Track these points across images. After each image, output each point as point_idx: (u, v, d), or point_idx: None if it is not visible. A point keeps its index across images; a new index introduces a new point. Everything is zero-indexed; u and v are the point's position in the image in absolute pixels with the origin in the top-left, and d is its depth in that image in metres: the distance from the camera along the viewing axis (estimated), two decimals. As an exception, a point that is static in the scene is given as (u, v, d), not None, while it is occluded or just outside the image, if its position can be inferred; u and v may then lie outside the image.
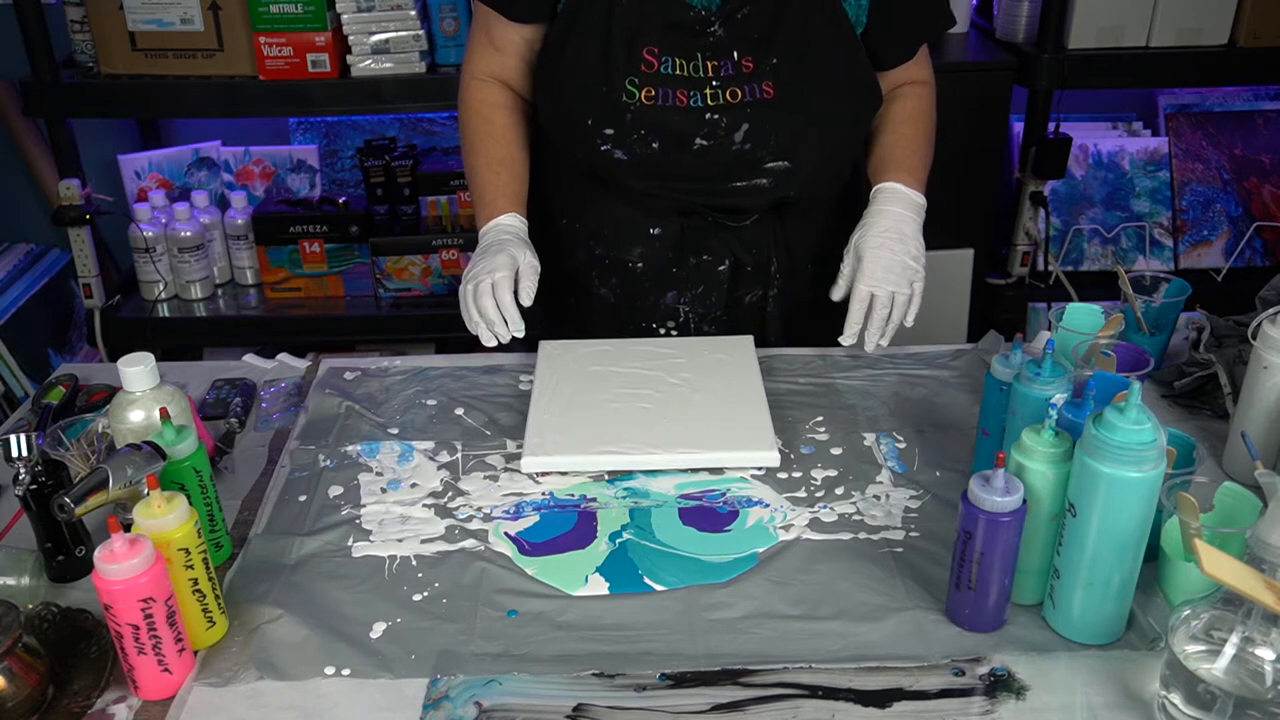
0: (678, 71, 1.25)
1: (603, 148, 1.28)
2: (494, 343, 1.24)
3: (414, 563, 1.04)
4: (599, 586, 1.01)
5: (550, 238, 1.47)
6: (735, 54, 1.24)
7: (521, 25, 1.31)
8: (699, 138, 1.26)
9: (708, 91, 1.25)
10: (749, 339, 1.35)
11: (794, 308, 1.44)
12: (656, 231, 1.37)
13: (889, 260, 1.27)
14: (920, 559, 1.03)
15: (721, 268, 1.39)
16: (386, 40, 2.17)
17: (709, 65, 1.24)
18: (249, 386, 1.33)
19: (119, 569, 0.83)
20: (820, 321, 1.48)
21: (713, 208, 1.35)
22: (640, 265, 1.40)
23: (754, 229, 1.37)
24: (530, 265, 1.28)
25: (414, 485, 1.15)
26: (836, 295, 1.31)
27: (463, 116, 1.39)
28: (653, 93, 1.25)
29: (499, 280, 1.24)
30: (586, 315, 1.44)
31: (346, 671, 0.91)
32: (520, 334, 1.23)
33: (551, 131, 1.38)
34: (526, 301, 1.26)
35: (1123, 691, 0.88)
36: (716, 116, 1.25)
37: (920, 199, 1.32)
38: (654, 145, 1.27)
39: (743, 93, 1.25)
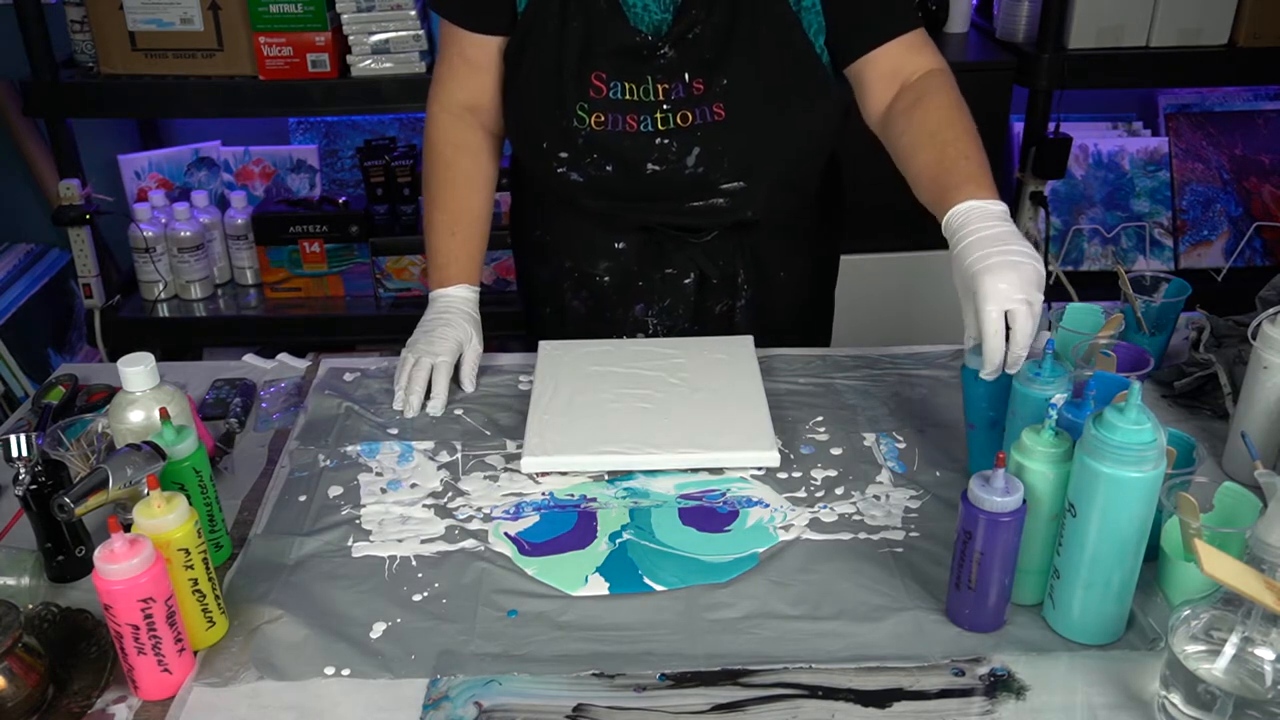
0: (627, 96, 1.24)
1: (559, 170, 1.29)
2: (404, 409, 1.27)
3: (414, 563, 1.04)
4: (599, 586, 1.01)
5: (526, 249, 1.49)
6: (686, 75, 1.23)
7: (493, 37, 1.29)
8: (650, 162, 1.26)
9: (658, 115, 1.24)
10: (749, 339, 1.35)
11: (765, 315, 1.44)
12: (620, 246, 1.38)
13: (1007, 267, 1.02)
14: (920, 559, 1.03)
15: (687, 281, 1.39)
16: (386, 40, 2.17)
17: (659, 88, 1.23)
18: (249, 386, 1.33)
19: (119, 569, 0.83)
20: (793, 326, 1.48)
21: (672, 226, 1.35)
22: (607, 279, 1.41)
23: (718, 243, 1.37)
24: (475, 350, 1.32)
25: (414, 485, 1.15)
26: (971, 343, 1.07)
27: (426, 157, 1.37)
28: (602, 118, 1.24)
29: (439, 365, 1.28)
30: (561, 325, 1.45)
31: (346, 671, 0.91)
32: (437, 414, 1.27)
33: (517, 150, 1.39)
34: (468, 389, 1.31)
35: (1123, 691, 0.88)
36: (667, 141, 1.25)
37: (1000, 206, 1.11)
38: (608, 168, 1.27)
39: (693, 115, 1.24)
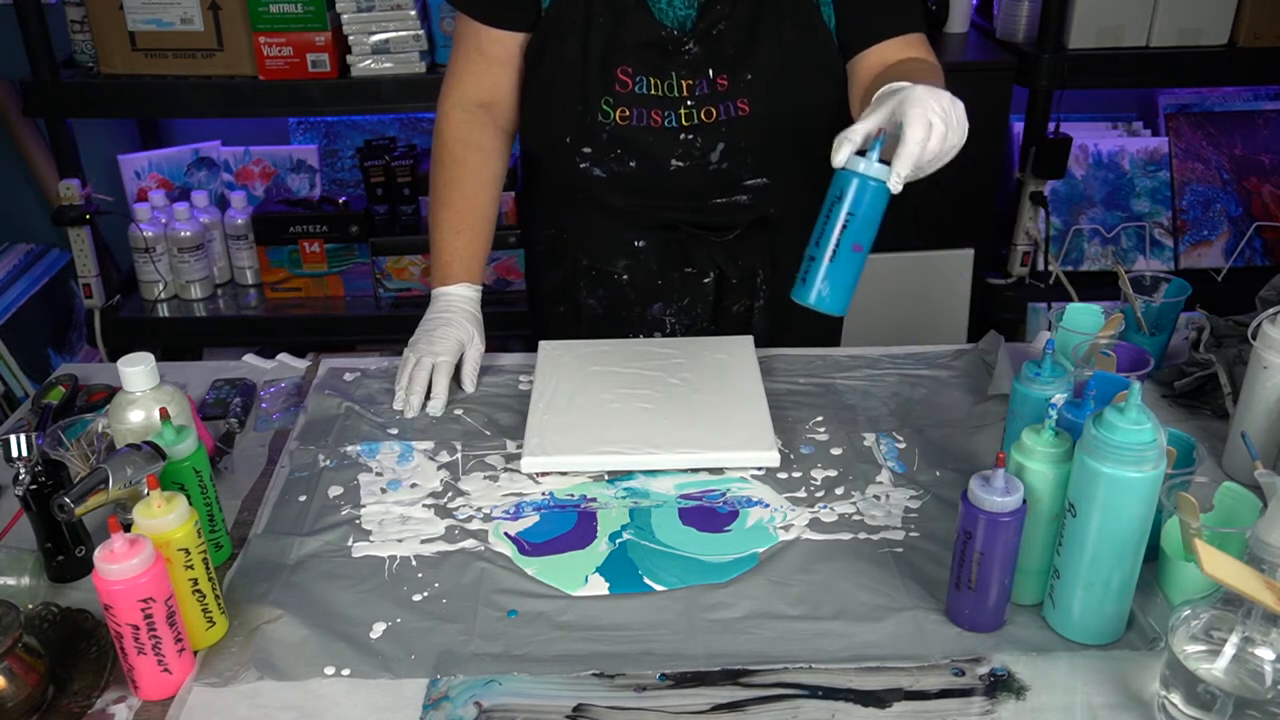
0: (652, 91, 1.23)
1: (581, 165, 1.28)
2: (404, 409, 1.27)
3: (414, 563, 1.04)
4: (599, 586, 1.01)
5: (538, 247, 1.48)
6: (710, 71, 1.23)
7: (513, 33, 1.29)
8: (675, 158, 1.26)
9: (682, 111, 1.24)
10: (749, 339, 1.35)
11: (781, 316, 1.43)
12: (641, 244, 1.38)
13: (940, 94, 0.99)
14: (920, 559, 1.03)
15: (706, 280, 1.39)
16: (386, 40, 2.17)
17: (684, 84, 1.23)
18: (249, 386, 1.33)
19: (119, 569, 0.83)
20: (808, 327, 1.48)
21: (694, 223, 1.35)
22: (625, 277, 1.40)
23: (738, 242, 1.37)
24: (477, 350, 1.31)
25: (414, 485, 1.15)
26: (840, 158, 1.00)
27: (436, 152, 1.36)
28: (627, 113, 1.24)
29: (440, 365, 1.28)
30: (575, 325, 1.45)
31: (346, 671, 0.91)
32: (437, 414, 1.26)
33: (534, 147, 1.38)
34: (469, 389, 1.30)
35: (1123, 691, 0.88)
36: (691, 137, 1.25)
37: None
38: (632, 164, 1.27)
39: (718, 111, 1.24)
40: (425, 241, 2.44)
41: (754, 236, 1.37)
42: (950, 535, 0.97)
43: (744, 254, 1.38)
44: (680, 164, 1.26)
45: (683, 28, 1.22)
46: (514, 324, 2.26)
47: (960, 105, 1.01)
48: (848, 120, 1.30)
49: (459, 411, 1.28)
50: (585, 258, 1.41)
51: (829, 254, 1.00)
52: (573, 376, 1.28)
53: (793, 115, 1.25)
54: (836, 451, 1.19)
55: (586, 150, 1.27)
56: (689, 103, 1.24)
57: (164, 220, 2.33)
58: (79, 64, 2.27)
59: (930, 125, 0.97)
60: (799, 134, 1.26)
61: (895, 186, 0.98)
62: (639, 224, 1.37)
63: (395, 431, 1.24)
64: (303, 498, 1.14)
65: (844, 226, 0.99)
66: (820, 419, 1.25)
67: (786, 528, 1.07)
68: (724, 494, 1.12)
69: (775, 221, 1.36)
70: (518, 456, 1.17)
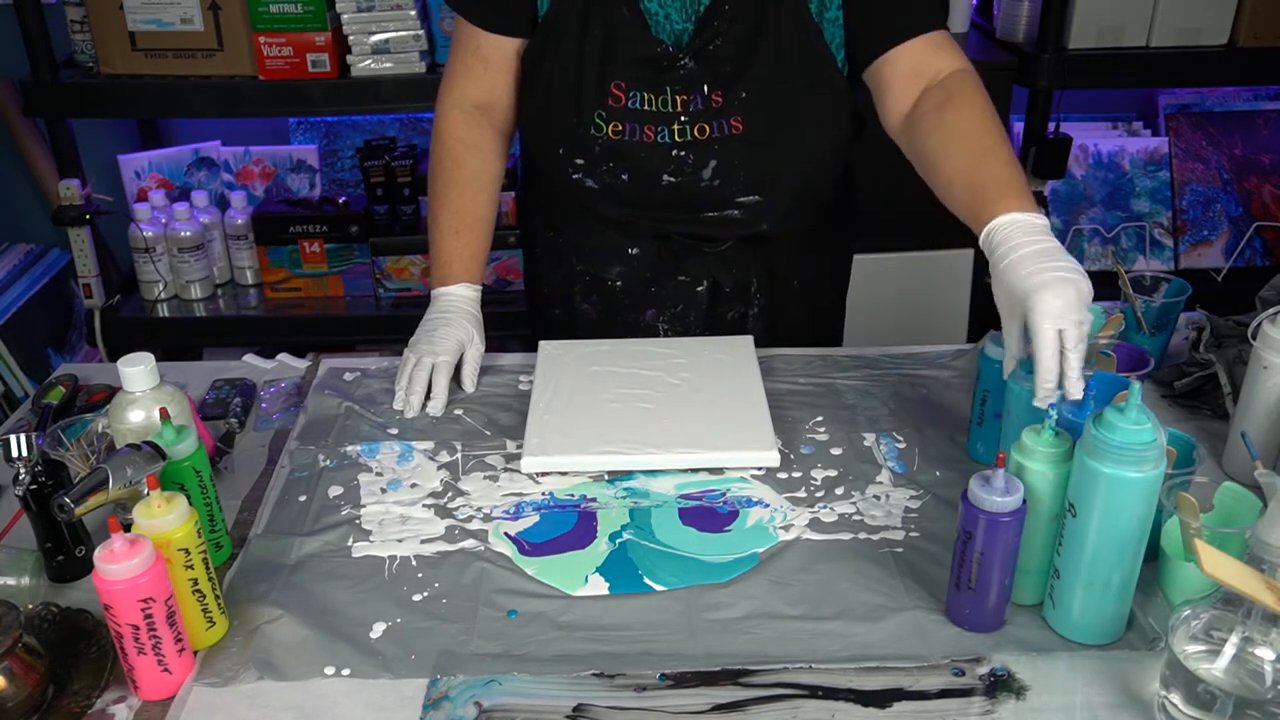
0: (646, 106, 1.23)
1: (574, 176, 1.29)
2: (404, 409, 1.27)
3: (414, 563, 1.04)
4: (599, 586, 1.01)
5: (536, 250, 1.48)
6: (705, 88, 1.22)
7: (510, 38, 1.29)
8: (666, 174, 1.25)
9: (675, 127, 1.23)
10: (749, 339, 1.35)
11: (777, 322, 1.43)
12: (634, 252, 1.38)
13: (1060, 284, 0.97)
14: (920, 559, 1.03)
15: (700, 288, 1.39)
16: (386, 40, 2.17)
17: (678, 100, 1.23)
18: (249, 386, 1.33)
19: (119, 569, 0.83)
20: (805, 331, 1.48)
21: (687, 235, 1.35)
22: (619, 284, 1.40)
23: (732, 252, 1.37)
24: (476, 350, 1.31)
25: (414, 485, 1.15)
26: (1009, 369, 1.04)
27: (434, 153, 1.35)
28: (620, 127, 1.24)
29: (440, 365, 1.28)
30: (570, 329, 1.45)
31: (346, 671, 0.91)
32: (437, 414, 1.26)
33: (532, 152, 1.38)
34: (469, 389, 1.30)
35: (1123, 691, 0.88)
36: (684, 153, 1.24)
37: (1042, 220, 1.05)
38: (623, 177, 1.27)
39: (711, 128, 1.23)
40: (425, 241, 2.42)
41: (748, 247, 1.37)
42: (950, 535, 0.97)
43: (738, 264, 1.38)
44: (672, 179, 1.26)
45: (678, 43, 1.22)
46: (514, 324, 2.26)
47: (1078, 271, 0.98)
48: (848, 140, 1.29)
49: (459, 411, 1.28)
50: (580, 263, 1.42)
51: (977, 420, 1.16)
52: (573, 376, 1.28)
53: (787, 134, 1.24)
54: (836, 451, 1.19)
55: (579, 162, 1.27)
56: (683, 119, 1.23)
57: (164, 220, 2.33)
58: (79, 64, 2.27)
59: (1061, 335, 0.95)
60: (792, 153, 1.26)
61: (1040, 403, 0.95)
62: (632, 233, 1.37)
63: (395, 431, 1.24)
64: (303, 498, 1.14)
65: (997, 415, 1.11)
66: (820, 419, 1.25)
67: (786, 528, 1.07)
68: (724, 494, 1.12)
69: (770, 236, 1.36)
70: (518, 456, 1.17)
